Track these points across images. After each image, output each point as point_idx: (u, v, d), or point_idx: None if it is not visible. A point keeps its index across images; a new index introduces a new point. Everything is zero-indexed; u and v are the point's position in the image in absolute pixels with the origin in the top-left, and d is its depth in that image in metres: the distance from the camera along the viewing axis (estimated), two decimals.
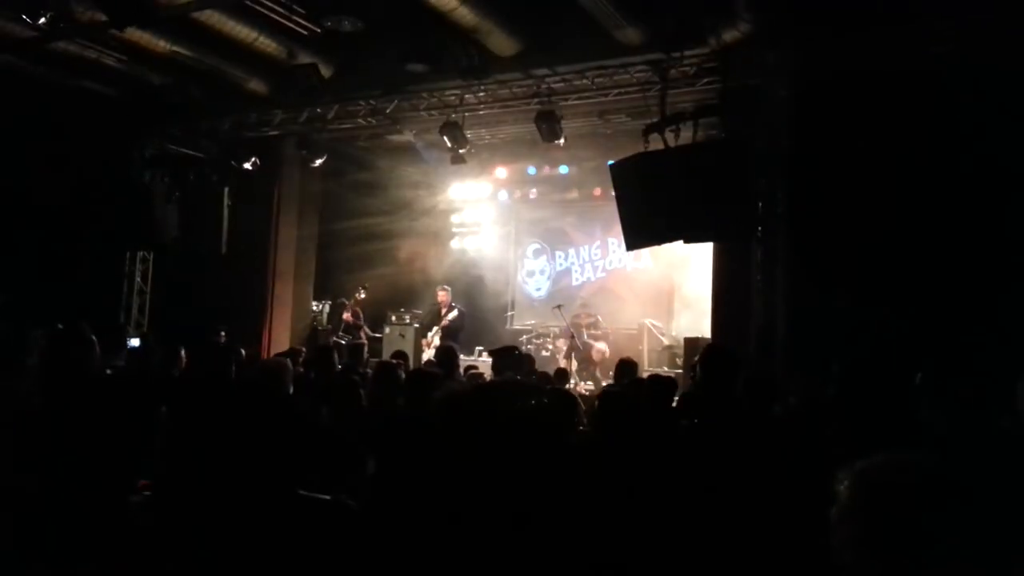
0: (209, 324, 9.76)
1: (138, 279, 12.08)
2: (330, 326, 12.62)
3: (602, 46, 8.63)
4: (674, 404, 4.69)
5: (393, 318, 12.42)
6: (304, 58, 9.47)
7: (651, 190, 7.78)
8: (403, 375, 4.66)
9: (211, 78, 10.05)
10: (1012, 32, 6.42)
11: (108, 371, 5.05)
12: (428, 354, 11.24)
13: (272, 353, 10.66)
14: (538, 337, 12.62)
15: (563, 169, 12.89)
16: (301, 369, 6.59)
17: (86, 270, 10.89)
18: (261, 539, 2.05)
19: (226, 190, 11.70)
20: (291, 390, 4.43)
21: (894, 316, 6.59)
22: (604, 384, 10.75)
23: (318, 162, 11.55)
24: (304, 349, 8.47)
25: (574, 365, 11.41)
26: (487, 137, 12.06)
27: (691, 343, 9.92)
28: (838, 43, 7.27)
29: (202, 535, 2.13)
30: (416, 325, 12.14)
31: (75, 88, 10.24)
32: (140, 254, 12.13)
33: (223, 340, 9.14)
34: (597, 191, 12.57)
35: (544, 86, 9.54)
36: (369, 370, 6.55)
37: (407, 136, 11.94)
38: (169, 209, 11.39)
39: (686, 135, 7.89)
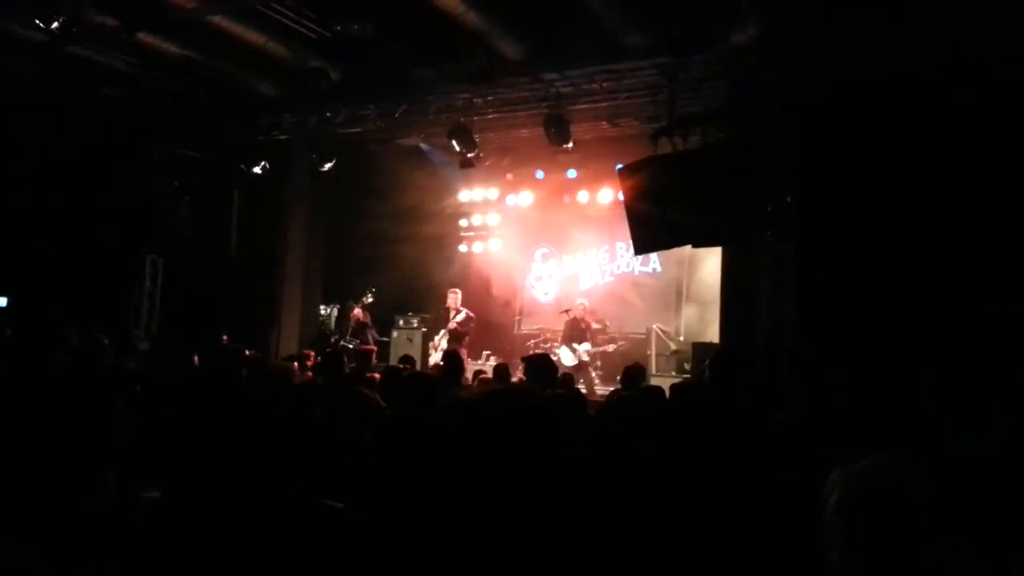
0: (217, 327, 9.80)
1: (147, 282, 12.12)
2: (338, 330, 12.64)
3: (610, 50, 8.64)
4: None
5: (401, 322, 12.42)
6: (314, 62, 9.51)
7: (660, 194, 7.76)
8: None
9: (221, 82, 10.11)
10: (1012, 32, 6.39)
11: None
12: (435, 357, 11.23)
13: (280, 356, 10.69)
14: (545, 342, 12.62)
15: (571, 173, 12.88)
16: (309, 373, 6.62)
17: (97, 273, 10.94)
18: (280, 545, 2.05)
19: (236, 193, 11.74)
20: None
21: (902, 320, 6.55)
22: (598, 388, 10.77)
23: (327, 166, 11.58)
24: (312, 352, 8.48)
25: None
26: (496, 141, 12.07)
27: (699, 348, 9.88)
28: (845, 47, 7.24)
29: (215, 538, 2.14)
30: (424, 329, 12.13)
31: (86, 92, 10.31)
32: (150, 257, 12.18)
33: (226, 342, 9.16)
34: (606, 195, 12.56)
35: (553, 90, 9.56)
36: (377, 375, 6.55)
37: (416, 140, 11.96)
38: (179, 213, 11.44)
39: (695, 139, 7.88)
